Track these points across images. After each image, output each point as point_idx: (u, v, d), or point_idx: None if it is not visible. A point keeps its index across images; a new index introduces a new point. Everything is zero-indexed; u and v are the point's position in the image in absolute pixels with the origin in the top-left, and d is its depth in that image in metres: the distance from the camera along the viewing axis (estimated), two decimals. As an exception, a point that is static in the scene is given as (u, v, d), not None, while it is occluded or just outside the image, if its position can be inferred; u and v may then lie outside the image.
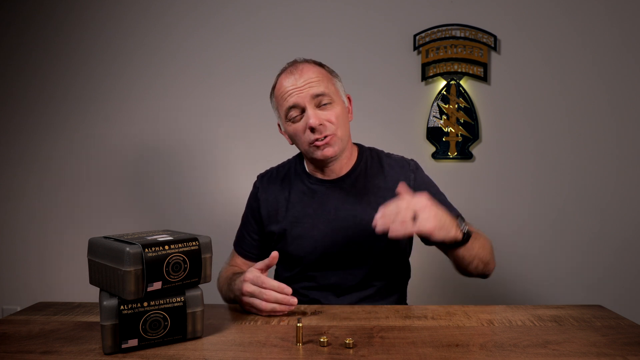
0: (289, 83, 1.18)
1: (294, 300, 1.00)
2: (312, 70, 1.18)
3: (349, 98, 1.28)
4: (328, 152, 1.17)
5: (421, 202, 0.97)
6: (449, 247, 1.10)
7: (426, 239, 1.25)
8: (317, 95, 1.16)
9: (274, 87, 1.24)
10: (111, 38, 2.24)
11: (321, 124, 1.15)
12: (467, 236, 1.07)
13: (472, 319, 0.98)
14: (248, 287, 1.02)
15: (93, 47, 2.25)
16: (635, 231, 2.06)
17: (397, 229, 0.94)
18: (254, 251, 1.33)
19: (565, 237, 2.08)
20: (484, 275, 1.19)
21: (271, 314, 1.01)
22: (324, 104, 1.17)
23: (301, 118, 1.17)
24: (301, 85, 1.16)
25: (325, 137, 1.16)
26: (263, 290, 1.01)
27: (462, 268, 1.16)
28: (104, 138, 2.25)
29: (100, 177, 2.26)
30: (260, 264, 1.06)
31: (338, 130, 1.17)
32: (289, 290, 1.01)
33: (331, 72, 1.24)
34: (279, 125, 1.28)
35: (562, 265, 2.09)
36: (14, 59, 2.28)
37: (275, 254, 1.05)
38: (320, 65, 1.23)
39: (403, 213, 0.95)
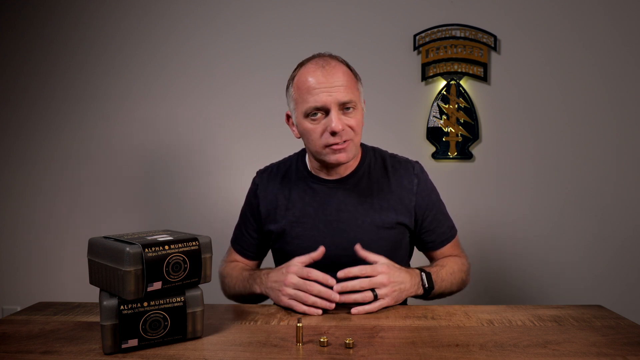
0: (317, 79, 1.12)
1: (336, 296, 1.01)
2: (342, 71, 1.14)
3: (363, 102, 1.24)
4: (342, 157, 1.15)
5: (380, 280, 1.03)
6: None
7: (424, 249, 1.31)
8: (345, 102, 1.12)
9: (294, 76, 1.17)
10: (111, 38, 2.24)
11: (343, 129, 1.12)
12: (429, 290, 1.13)
13: (472, 319, 0.98)
14: (292, 279, 1.03)
15: (93, 47, 2.25)
16: (635, 231, 2.06)
17: (359, 310, 1.02)
18: (252, 249, 1.32)
19: (565, 237, 2.08)
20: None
21: (309, 310, 1.02)
22: (348, 110, 1.13)
23: (322, 118, 1.13)
24: (330, 86, 1.11)
25: (344, 141, 1.14)
26: (307, 282, 1.02)
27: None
28: (104, 138, 2.25)
29: (100, 177, 2.26)
30: (305, 258, 1.07)
31: (355, 137, 1.16)
32: (333, 281, 1.02)
33: (356, 76, 1.20)
34: (287, 115, 1.23)
35: (562, 265, 2.09)
36: (14, 59, 2.28)
37: (322, 248, 1.07)
38: (348, 65, 1.19)
39: (363, 293, 1.02)
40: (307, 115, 1.14)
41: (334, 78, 1.12)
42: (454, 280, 1.20)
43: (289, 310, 1.05)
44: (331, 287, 1.02)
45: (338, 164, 1.18)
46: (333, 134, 1.12)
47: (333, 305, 1.02)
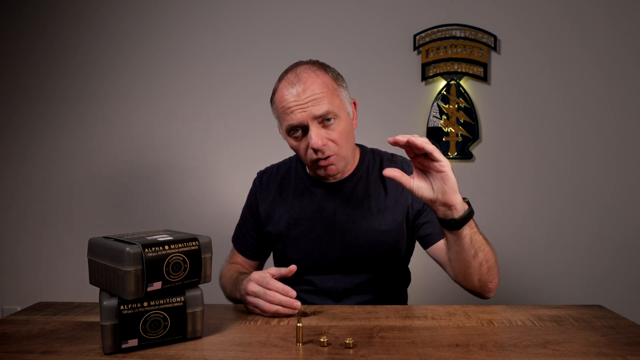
0: (291, 96, 1.09)
1: (297, 304, 0.99)
2: (316, 82, 1.09)
3: (354, 103, 1.20)
4: (331, 170, 1.13)
5: (443, 158, 0.91)
6: (454, 225, 0.96)
7: (425, 244, 1.22)
8: (321, 116, 1.08)
9: (274, 93, 1.15)
10: (111, 38, 2.24)
11: (324, 145, 1.10)
12: (471, 210, 0.97)
13: (472, 319, 0.98)
14: (253, 287, 1.01)
15: (93, 47, 2.25)
16: (635, 231, 2.06)
17: (405, 137, 0.89)
18: (253, 249, 1.33)
19: (565, 237, 2.08)
20: (485, 288, 1.07)
21: (274, 316, 1.01)
22: (328, 120, 1.10)
23: (303, 136, 1.11)
24: (304, 102, 1.08)
25: (328, 157, 1.11)
26: (267, 291, 1.00)
27: (465, 264, 1.02)
28: (104, 138, 2.25)
29: (101, 177, 2.26)
30: (275, 270, 1.04)
31: (341, 150, 1.12)
32: (294, 293, 1.00)
33: (336, 79, 1.15)
34: (279, 127, 1.22)
35: (562, 265, 2.09)
36: (14, 58, 2.28)
37: (293, 267, 1.03)
38: (325, 70, 1.14)
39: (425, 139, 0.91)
40: (289, 134, 1.13)
41: (307, 93, 1.08)
42: (489, 245, 1.05)
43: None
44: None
45: (328, 176, 1.17)
46: (315, 151, 1.10)
47: (295, 311, 1.00)
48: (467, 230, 0.98)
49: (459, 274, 1.07)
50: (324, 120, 1.10)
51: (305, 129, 1.10)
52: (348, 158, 1.17)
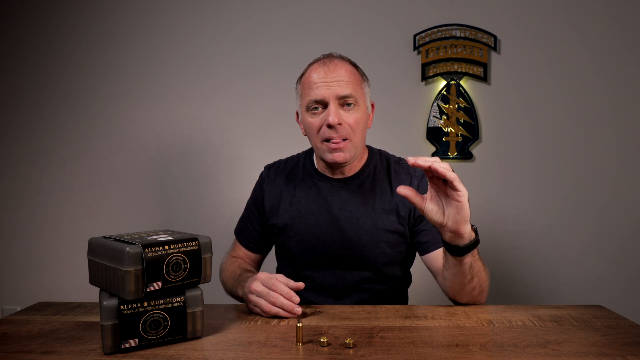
0: (318, 74, 1.15)
1: (299, 309, 0.99)
2: (345, 68, 1.16)
3: (372, 105, 1.26)
4: (338, 157, 1.16)
5: (462, 189, 0.92)
6: (458, 252, 0.97)
7: (422, 251, 1.23)
8: (344, 97, 1.14)
9: (303, 74, 1.21)
10: (111, 38, 2.24)
11: (340, 124, 1.13)
12: (477, 239, 0.98)
13: (472, 319, 0.98)
14: (257, 286, 1.02)
15: (93, 47, 2.25)
16: (635, 231, 2.06)
17: (434, 165, 0.89)
18: (255, 242, 1.33)
19: (565, 237, 2.08)
20: (470, 304, 1.09)
21: (274, 316, 1.01)
22: (348, 105, 1.15)
23: (322, 113, 1.16)
24: (330, 81, 1.14)
25: (341, 139, 1.14)
26: (271, 292, 1.00)
27: (459, 286, 1.05)
28: (104, 138, 2.25)
29: (100, 177, 2.26)
30: (283, 278, 1.02)
31: (354, 136, 1.16)
32: (297, 299, 1.00)
33: (362, 75, 1.22)
34: (297, 113, 1.25)
35: (562, 265, 2.09)
36: (14, 59, 2.28)
37: (301, 284, 1.01)
38: (354, 65, 1.21)
39: (444, 163, 0.92)
40: (309, 109, 1.17)
41: (335, 73, 1.15)
42: (486, 270, 1.06)
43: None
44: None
45: (335, 164, 1.18)
46: (329, 126, 1.13)
47: (295, 316, 0.99)
48: (469, 258, 0.99)
49: (450, 291, 1.10)
50: (345, 103, 1.15)
51: (325, 107, 1.15)
52: (358, 150, 1.19)
